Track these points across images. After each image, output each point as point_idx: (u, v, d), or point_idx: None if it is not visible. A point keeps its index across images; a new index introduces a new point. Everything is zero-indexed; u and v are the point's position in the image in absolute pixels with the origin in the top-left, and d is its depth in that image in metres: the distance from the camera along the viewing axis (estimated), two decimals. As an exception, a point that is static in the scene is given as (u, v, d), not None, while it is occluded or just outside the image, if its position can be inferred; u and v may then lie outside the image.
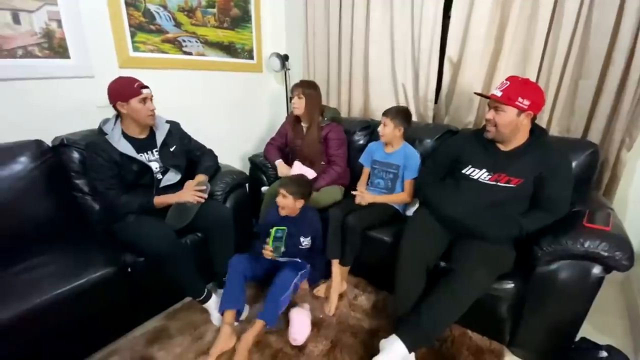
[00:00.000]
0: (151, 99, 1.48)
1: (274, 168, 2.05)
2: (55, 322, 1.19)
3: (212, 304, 1.52)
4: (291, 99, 1.98)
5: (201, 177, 1.65)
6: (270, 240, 1.40)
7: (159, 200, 1.50)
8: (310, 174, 1.92)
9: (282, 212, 1.55)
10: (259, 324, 1.34)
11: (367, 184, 1.91)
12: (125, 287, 1.37)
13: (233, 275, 1.48)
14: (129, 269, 1.36)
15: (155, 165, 1.55)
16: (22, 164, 1.43)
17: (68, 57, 1.66)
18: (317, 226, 1.63)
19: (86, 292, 1.24)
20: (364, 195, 1.69)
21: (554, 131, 1.75)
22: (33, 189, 1.44)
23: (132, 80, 1.43)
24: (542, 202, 1.32)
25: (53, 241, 1.40)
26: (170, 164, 1.59)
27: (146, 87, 1.46)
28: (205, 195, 1.55)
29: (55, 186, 1.52)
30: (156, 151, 1.56)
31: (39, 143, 1.51)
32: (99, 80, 1.76)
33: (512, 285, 1.29)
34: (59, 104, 1.67)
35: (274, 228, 1.42)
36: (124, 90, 1.41)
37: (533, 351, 1.34)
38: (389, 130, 1.72)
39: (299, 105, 1.92)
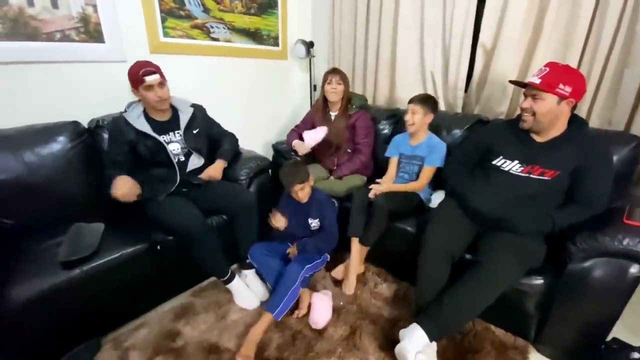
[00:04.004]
0: (160, 85, 1.46)
1: (294, 152, 2.04)
2: (90, 293, 1.26)
3: (235, 285, 1.56)
4: (323, 84, 1.96)
5: (220, 164, 1.69)
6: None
7: None
8: (322, 132, 1.95)
9: (305, 199, 1.55)
10: (267, 317, 1.34)
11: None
12: (154, 264, 1.43)
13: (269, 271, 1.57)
14: (159, 247, 1.42)
15: (176, 147, 1.58)
16: (60, 143, 1.50)
17: (103, 41, 1.71)
18: (325, 207, 1.61)
19: (119, 266, 1.31)
20: (380, 186, 1.67)
21: (594, 123, 1.65)
22: (70, 168, 1.52)
23: (139, 66, 1.43)
24: (580, 197, 1.25)
25: (88, 217, 1.46)
26: (193, 147, 1.62)
27: (153, 72, 1.43)
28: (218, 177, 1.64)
29: (91, 166, 1.60)
30: (179, 133, 1.59)
31: (76, 124, 1.58)
32: (131, 64, 1.82)
33: (541, 281, 1.24)
34: (94, 87, 1.74)
35: None
36: (132, 78, 1.43)
37: (560, 349, 1.30)
38: (418, 117, 1.68)
39: (339, 91, 1.92)
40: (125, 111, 1.53)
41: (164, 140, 1.54)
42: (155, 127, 1.53)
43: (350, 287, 1.60)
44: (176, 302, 1.57)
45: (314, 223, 1.62)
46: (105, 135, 1.63)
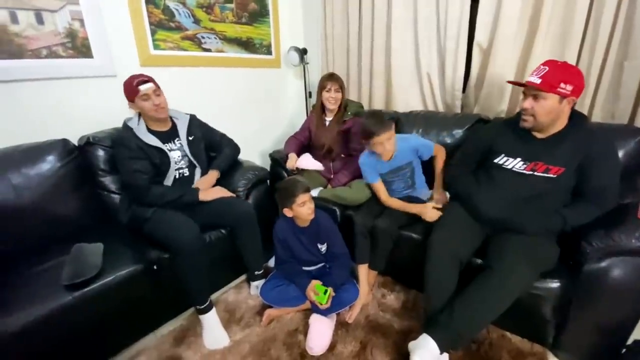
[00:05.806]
0: (154, 93, 1.44)
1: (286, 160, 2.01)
2: (84, 319, 1.18)
3: (210, 318, 1.41)
4: (320, 91, 1.93)
5: (214, 174, 1.66)
6: (322, 296, 1.40)
7: (204, 195, 1.53)
8: (317, 166, 1.95)
9: (312, 216, 1.46)
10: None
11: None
12: (151, 285, 1.36)
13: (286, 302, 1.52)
14: (155, 267, 1.35)
15: (177, 154, 1.55)
16: (49, 163, 1.45)
17: (91, 56, 1.67)
18: (330, 231, 1.55)
19: (114, 289, 1.24)
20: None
21: (597, 117, 1.62)
22: (60, 188, 1.46)
23: (132, 78, 1.42)
24: (587, 193, 1.20)
25: (80, 239, 1.39)
26: (192, 152, 1.60)
27: (146, 81, 1.42)
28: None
29: (82, 185, 1.54)
30: (178, 140, 1.57)
31: (65, 142, 1.53)
32: (121, 79, 1.75)
33: (557, 284, 1.19)
34: (84, 104, 1.68)
35: (318, 286, 1.44)
36: (127, 90, 1.42)
37: (580, 355, 1.24)
38: (391, 144, 1.52)
39: (337, 99, 1.90)
40: (128, 126, 1.47)
41: (167, 149, 1.52)
42: (160, 139, 1.51)
43: (352, 315, 1.48)
44: (175, 324, 1.49)
45: (323, 248, 1.57)
46: (99, 153, 1.58)
